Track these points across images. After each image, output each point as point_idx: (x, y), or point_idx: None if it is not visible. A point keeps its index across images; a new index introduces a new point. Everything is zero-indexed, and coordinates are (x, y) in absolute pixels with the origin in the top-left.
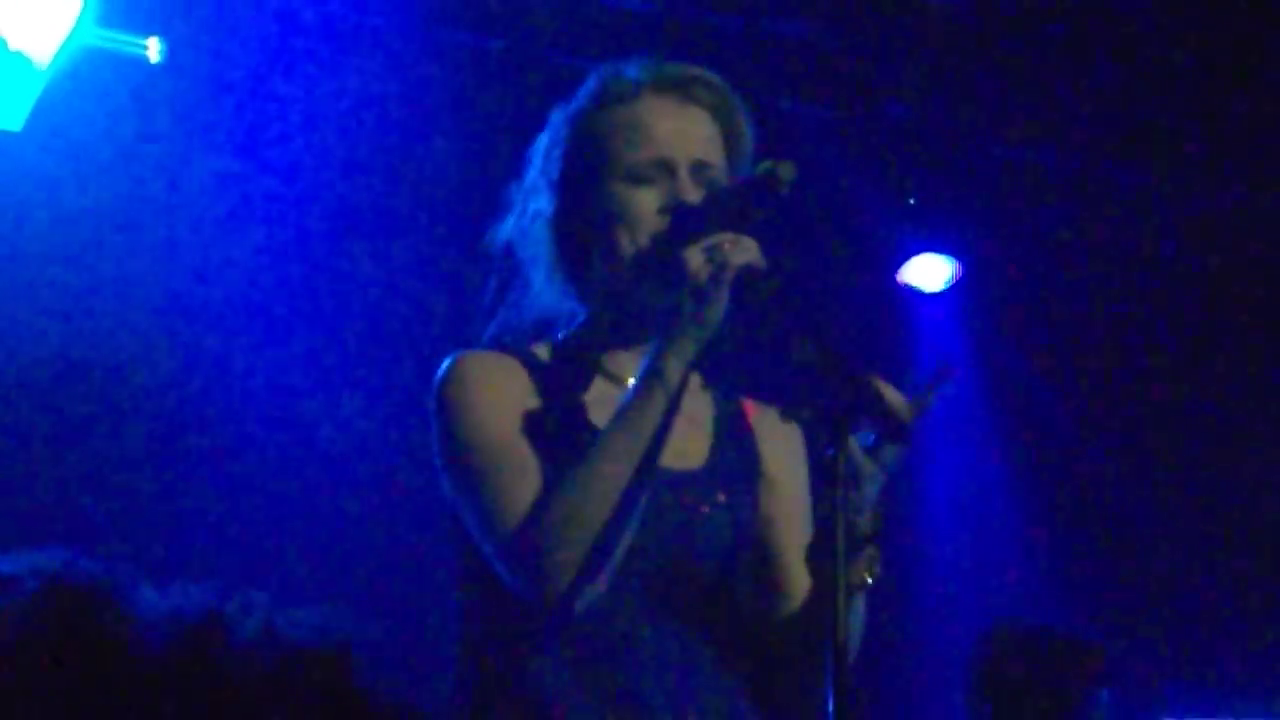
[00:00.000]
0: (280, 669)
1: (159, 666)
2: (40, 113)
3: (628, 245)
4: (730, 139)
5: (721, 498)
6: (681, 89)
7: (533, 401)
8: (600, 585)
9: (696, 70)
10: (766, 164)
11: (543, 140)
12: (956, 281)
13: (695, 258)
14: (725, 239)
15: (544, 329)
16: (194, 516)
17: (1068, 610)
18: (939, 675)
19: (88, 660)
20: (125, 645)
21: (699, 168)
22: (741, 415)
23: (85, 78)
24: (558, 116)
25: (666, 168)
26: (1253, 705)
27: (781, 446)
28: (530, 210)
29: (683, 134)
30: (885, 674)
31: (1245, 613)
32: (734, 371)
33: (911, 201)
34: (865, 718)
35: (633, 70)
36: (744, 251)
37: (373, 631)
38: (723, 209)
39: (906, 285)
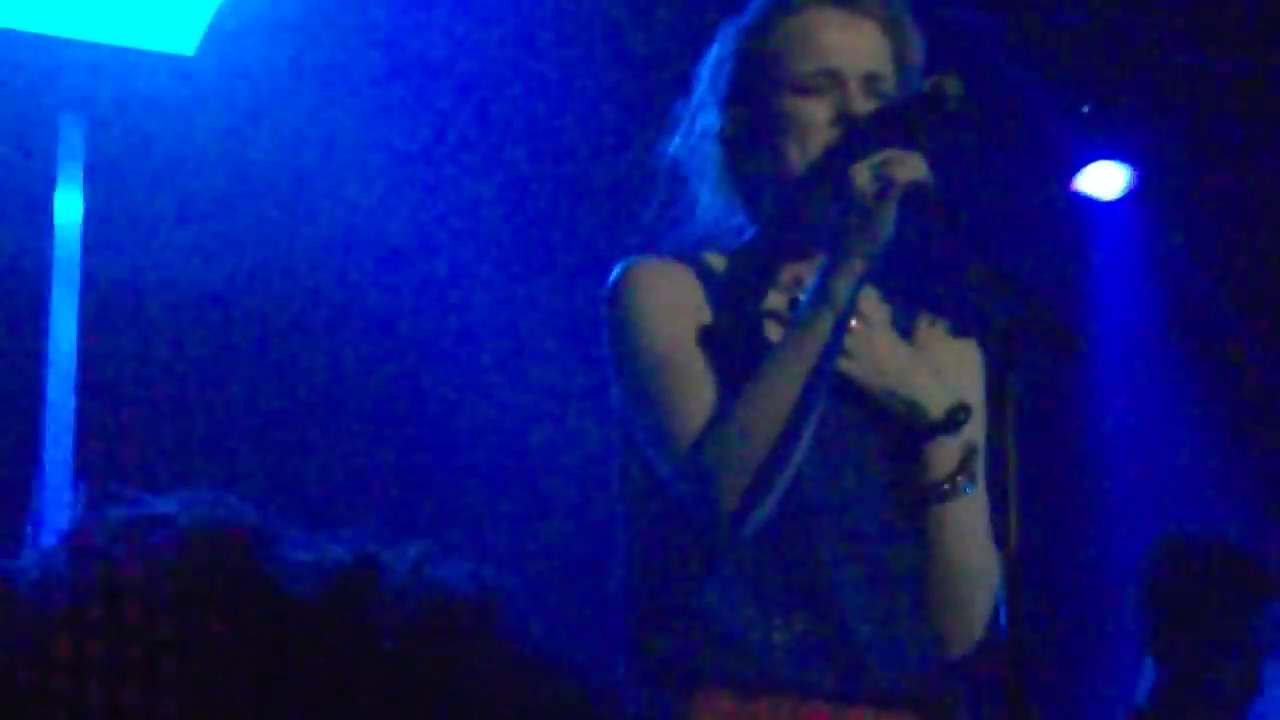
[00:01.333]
0: (432, 617)
1: (309, 610)
2: (213, 37)
3: (798, 157)
4: (899, 51)
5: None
6: (850, 1)
7: (706, 312)
8: (772, 502)
9: None
10: (933, 78)
11: (711, 56)
12: (1132, 189)
13: (862, 174)
14: (892, 155)
15: (712, 242)
16: (344, 462)
17: (1244, 526)
18: (1114, 588)
19: (238, 601)
20: (275, 587)
21: (869, 78)
22: (916, 329)
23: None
24: (727, 31)
25: (835, 78)
26: None
27: (953, 361)
28: (699, 126)
29: (851, 45)
30: (1061, 587)
31: None
32: (908, 288)
33: (1085, 109)
34: (1042, 631)
35: None
36: (911, 168)
37: (527, 583)
38: (890, 124)
39: (1081, 193)
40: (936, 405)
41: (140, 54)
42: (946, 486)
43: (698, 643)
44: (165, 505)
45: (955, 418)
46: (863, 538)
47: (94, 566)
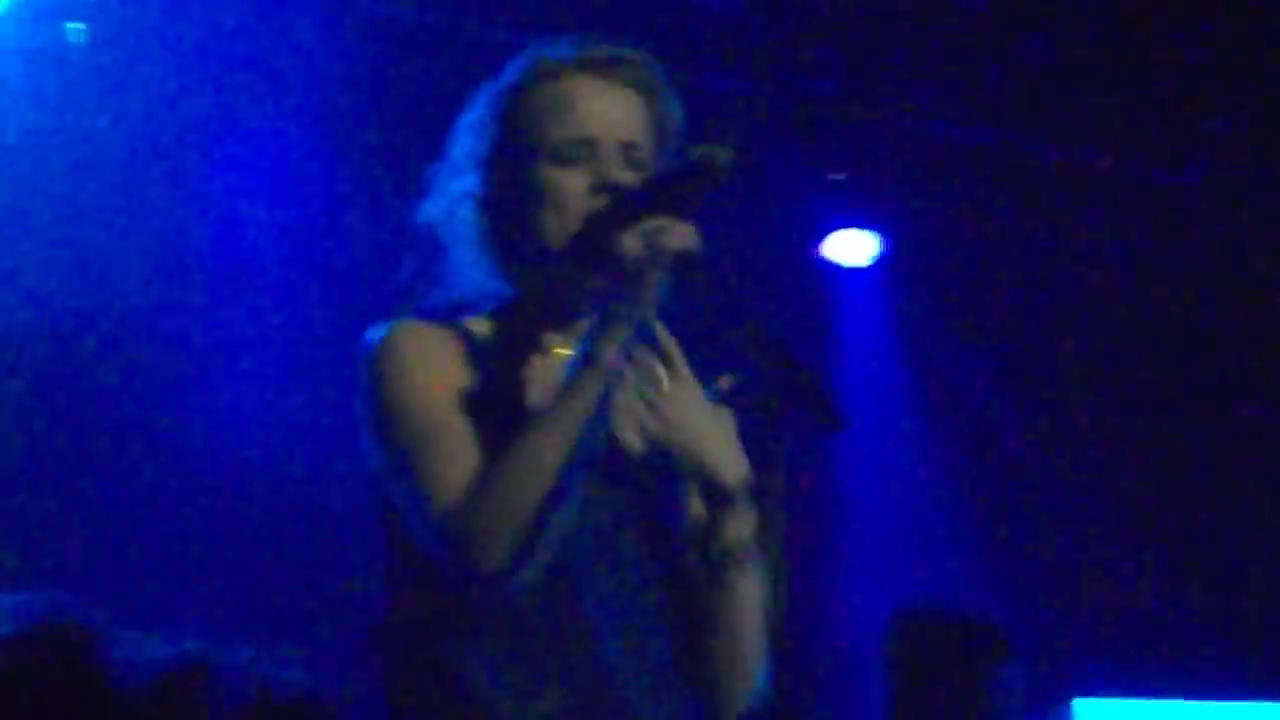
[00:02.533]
0: (264, 715)
1: (141, 713)
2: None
3: (556, 227)
4: (659, 118)
5: (653, 479)
6: (609, 68)
7: (469, 375)
8: (534, 568)
9: (625, 50)
10: (702, 148)
11: (468, 118)
12: (879, 257)
13: (631, 241)
14: (662, 224)
15: (470, 307)
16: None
17: (987, 592)
18: (859, 655)
19: (69, 705)
20: (108, 691)
21: (627, 147)
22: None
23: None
24: (484, 94)
25: (592, 147)
26: (1168, 684)
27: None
28: (455, 189)
29: (609, 114)
30: (806, 652)
31: (1162, 592)
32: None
33: (834, 177)
34: (789, 694)
35: (560, 49)
36: (681, 237)
37: (357, 687)
38: (659, 193)
39: (828, 260)
40: (733, 473)
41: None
42: (739, 556)
43: (455, 712)
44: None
45: (748, 488)
46: (627, 603)
47: None
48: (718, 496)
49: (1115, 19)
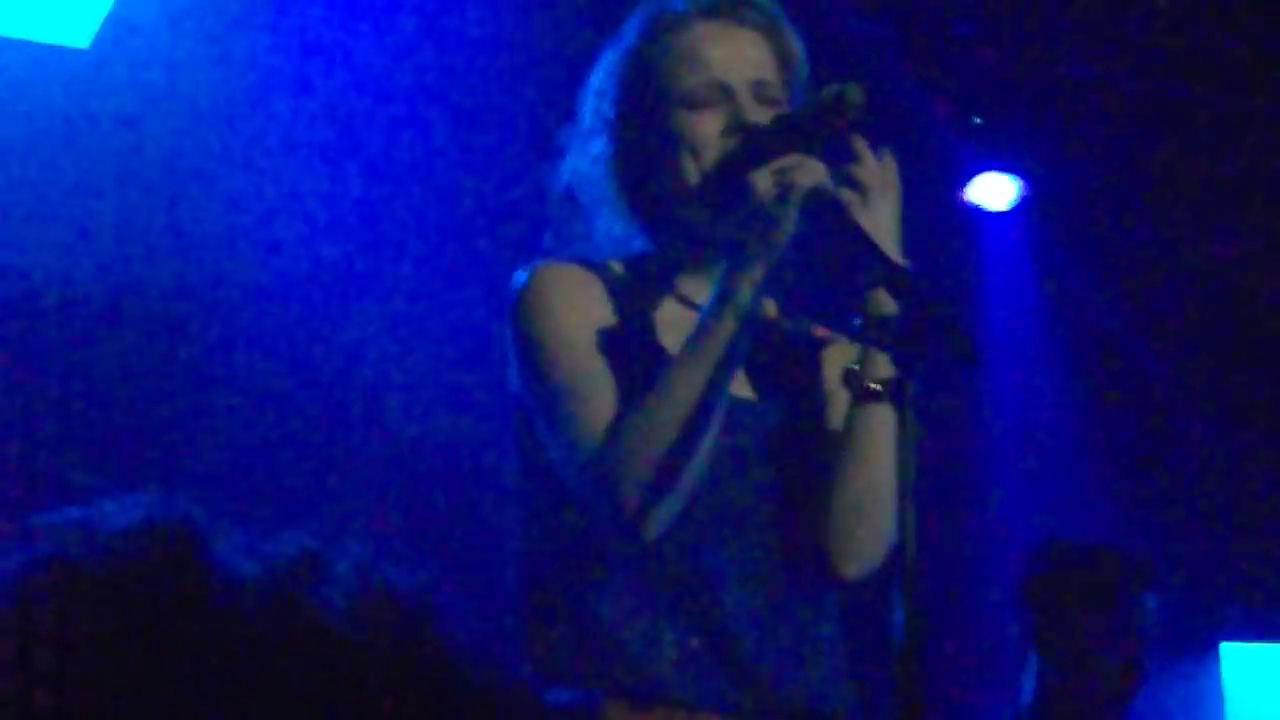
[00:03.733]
0: (380, 611)
1: (251, 609)
2: (108, 30)
3: (693, 171)
4: (784, 59)
5: (778, 424)
6: (730, 12)
7: (610, 317)
8: (675, 507)
9: None
10: (834, 86)
11: (594, 80)
12: (1021, 200)
13: (762, 180)
14: (792, 161)
15: (615, 255)
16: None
17: (1125, 534)
18: (999, 588)
19: (178, 605)
20: (216, 591)
21: (758, 85)
22: (812, 342)
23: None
24: (608, 55)
25: (725, 90)
26: None
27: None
28: (589, 152)
29: (737, 56)
30: (943, 586)
31: None
32: (806, 297)
33: (977, 120)
34: (933, 633)
35: (678, 0)
36: (810, 173)
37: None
38: (790, 132)
39: (971, 204)
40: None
41: (35, 46)
42: (881, 388)
43: (590, 652)
44: (107, 505)
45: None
46: (752, 550)
47: (43, 567)
48: (875, 337)
49: None
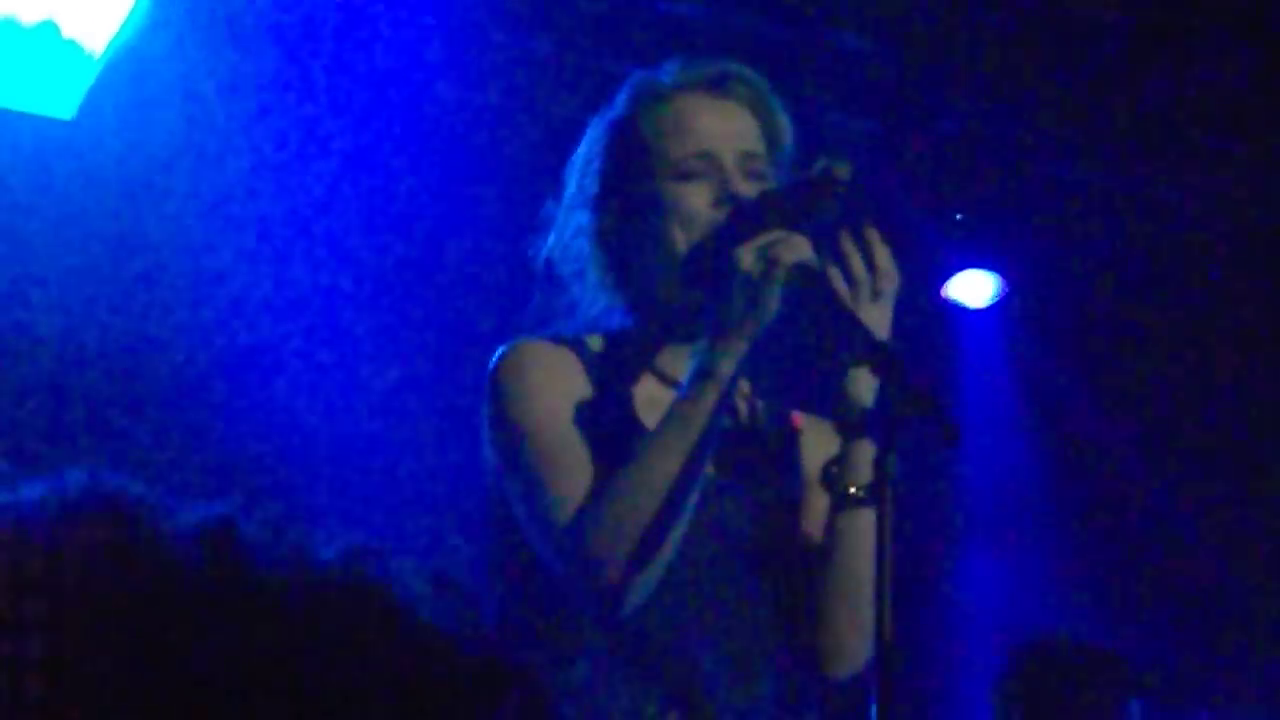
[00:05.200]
0: (314, 584)
1: (189, 579)
2: (92, 101)
3: (682, 242)
4: (771, 134)
5: (753, 504)
6: (717, 85)
7: (586, 393)
8: (650, 582)
9: (731, 65)
10: (822, 162)
11: (580, 152)
12: (1001, 298)
13: (748, 255)
14: (778, 236)
15: (593, 331)
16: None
17: (1107, 627)
18: (971, 686)
19: (118, 576)
20: (155, 559)
21: (746, 157)
22: (789, 426)
23: (138, 66)
24: (595, 126)
25: (713, 161)
26: None
27: (823, 458)
28: (571, 226)
29: (725, 128)
30: (918, 684)
31: None
32: (783, 380)
33: (958, 217)
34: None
35: (666, 73)
36: (796, 249)
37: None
38: (777, 206)
39: (951, 300)
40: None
41: (19, 116)
42: (862, 493)
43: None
44: (33, 488)
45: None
46: (729, 623)
47: None
48: (858, 425)
49: (1245, 66)
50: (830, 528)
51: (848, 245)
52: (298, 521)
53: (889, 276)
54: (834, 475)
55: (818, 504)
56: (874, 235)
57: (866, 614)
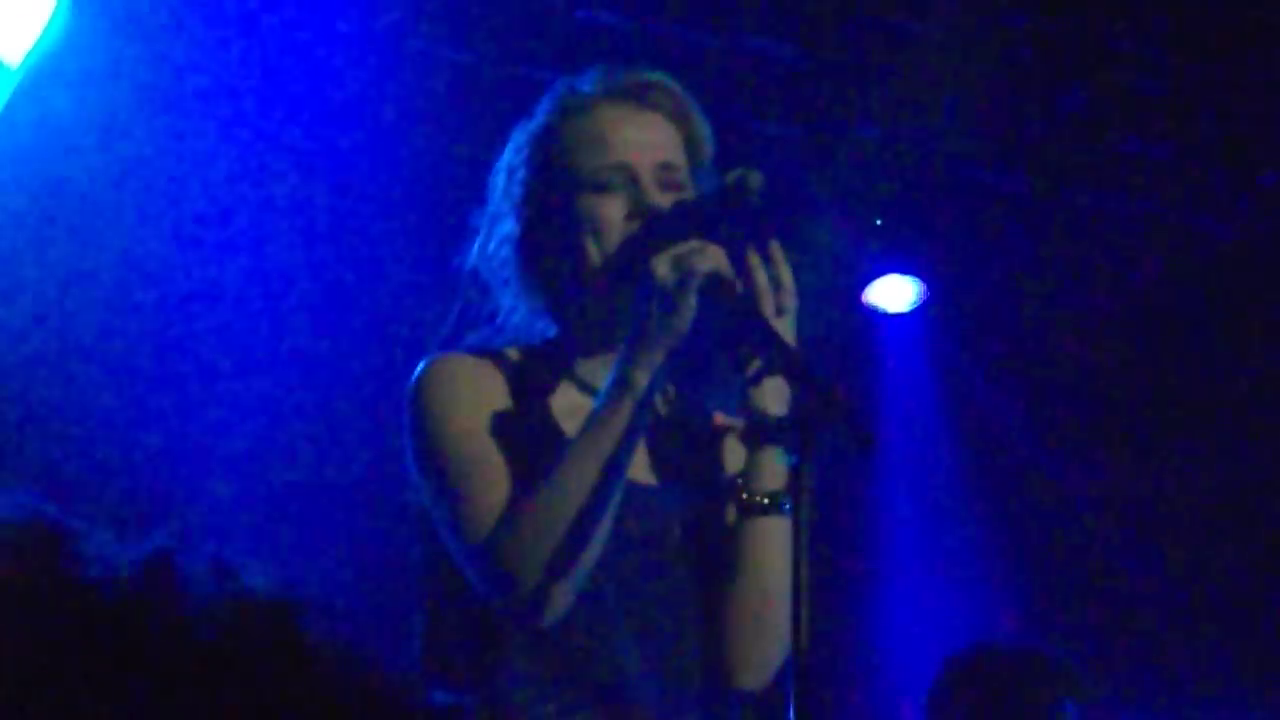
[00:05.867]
0: (237, 616)
1: (109, 606)
2: (10, 113)
3: (596, 254)
4: (690, 142)
5: (679, 509)
6: (637, 95)
7: (506, 404)
8: (570, 593)
9: (651, 75)
10: (736, 172)
11: (504, 161)
12: (921, 303)
13: (662, 265)
14: (692, 246)
15: (515, 342)
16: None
17: (1030, 632)
18: (900, 697)
19: (36, 599)
20: (74, 584)
21: (663, 168)
22: (710, 428)
23: (55, 78)
24: (518, 136)
25: (629, 173)
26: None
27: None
28: (496, 234)
29: (642, 139)
30: (846, 695)
31: (1210, 629)
32: (706, 382)
33: (878, 222)
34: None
35: (587, 82)
36: (710, 259)
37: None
38: (690, 217)
39: (871, 306)
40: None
41: None
42: (769, 501)
43: None
44: None
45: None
46: (655, 626)
47: None
48: (764, 428)
49: (1159, 67)
50: (735, 537)
51: (753, 260)
52: (228, 549)
53: (790, 293)
54: (738, 484)
55: (728, 511)
56: (778, 251)
57: (773, 625)
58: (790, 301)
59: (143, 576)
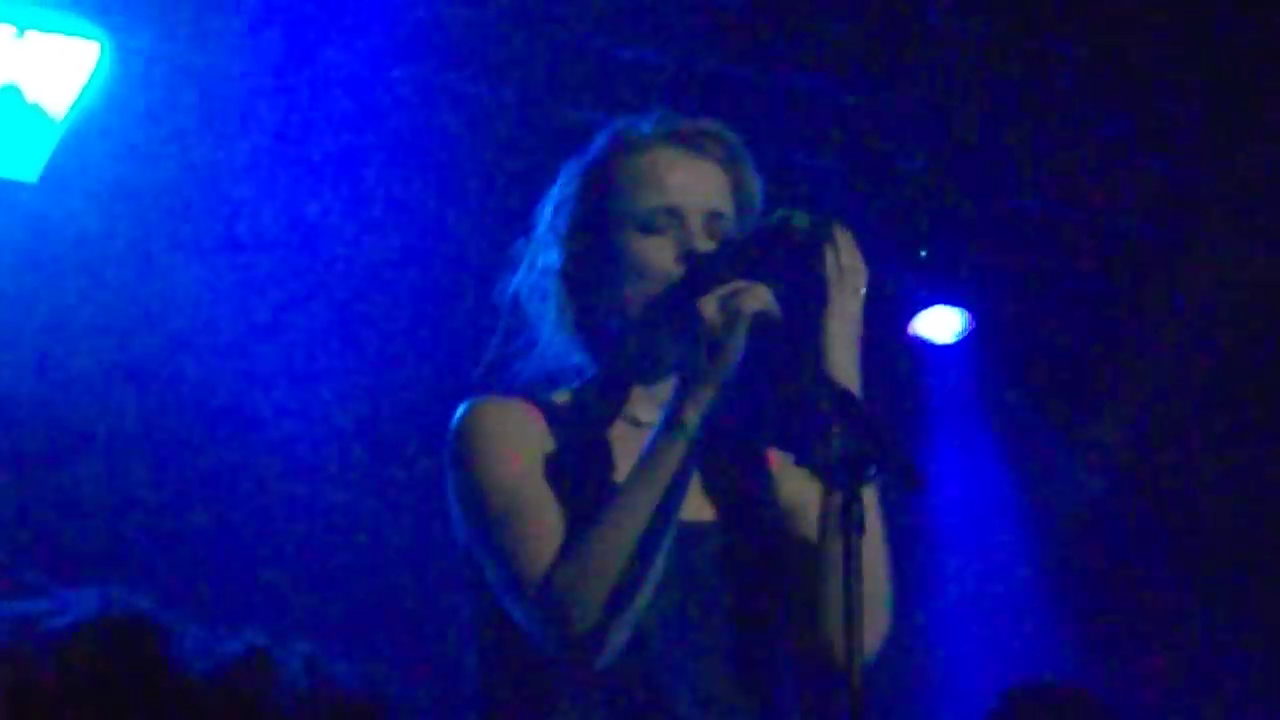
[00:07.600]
0: (327, 710)
1: (201, 704)
2: (56, 164)
3: (640, 295)
4: (739, 192)
5: (728, 547)
6: (692, 141)
7: (551, 449)
8: (625, 634)
9: (707, 123)
10: (780, 212)
11: (552, 194)
12: (967, 334)
13: (709, 306)
14: (739, 287)
15: (554, 381)
16: (207, 559)
17: (1082, 668)
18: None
19: (132, 696)
20: (173, 675)
21: (711, 216)
22: (763, 465)
23: (101, 129)
24: (569, 169)
25: (678, 217)
26: None
27: (801, 491)
28: (539, 264)
29: (693, 184)
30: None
31: (1265, 667)
32: (756, 421)
33: (923, 254)
34: None
35: (645, 123)
36: (757, 299)
37: (412, 688)
38: (736, 257)
39: (917, 337)
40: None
41: None
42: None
43: None
44: (61, 599)
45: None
46: (708, 672)
47: None
48: (816, 472)
49: (1206, 95)
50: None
51: (825, 249)
52: (324, 649)
53: (861, 273)
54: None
55: (803, 525)
56: (844, 235)
57: (874, 595)
58: (862, 281)
59: (244, 673)
